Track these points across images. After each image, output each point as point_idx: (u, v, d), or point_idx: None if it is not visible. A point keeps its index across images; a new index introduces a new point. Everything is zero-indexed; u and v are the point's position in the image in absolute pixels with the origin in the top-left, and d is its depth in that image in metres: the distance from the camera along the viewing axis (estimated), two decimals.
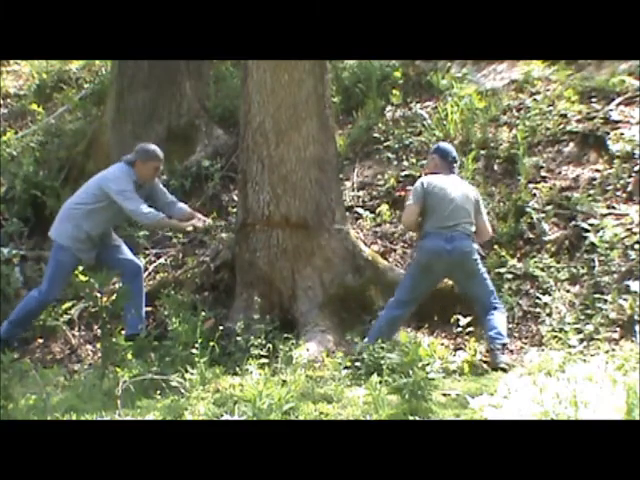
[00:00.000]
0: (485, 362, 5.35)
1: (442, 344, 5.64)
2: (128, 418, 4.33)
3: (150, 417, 4.35)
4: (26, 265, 7.17)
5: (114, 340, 5.57)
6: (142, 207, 5.95)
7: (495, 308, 5.45)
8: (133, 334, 5.87)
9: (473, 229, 5.56)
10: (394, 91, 7.78)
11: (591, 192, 6.34)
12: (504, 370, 5.19)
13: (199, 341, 5.10)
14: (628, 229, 5.96)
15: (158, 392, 4.82)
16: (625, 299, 5.53)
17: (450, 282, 5.81)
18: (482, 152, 6.94)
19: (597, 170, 6.54)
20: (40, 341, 6.45)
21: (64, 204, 6.26)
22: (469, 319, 5.47)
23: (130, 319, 5.95)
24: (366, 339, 5.39)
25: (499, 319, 5.41)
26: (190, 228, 6.29)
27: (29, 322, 6.13)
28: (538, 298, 5.83)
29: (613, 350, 5.16)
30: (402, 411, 4.30)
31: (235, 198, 7.03)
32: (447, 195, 5.54)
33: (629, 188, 6.29)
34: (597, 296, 5.66)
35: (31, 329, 6.39)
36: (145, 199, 6.08)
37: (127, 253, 6.24)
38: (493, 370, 5.23)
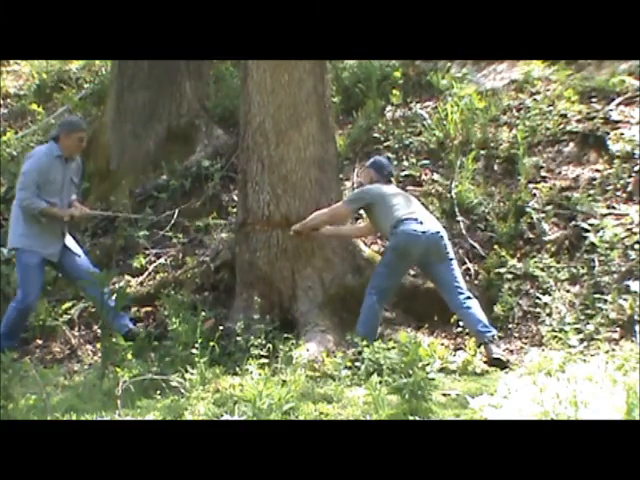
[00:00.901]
0: (485, 362, 5.35)
1: (442, 344, 5.64)
2: (128, 418, 4.33)
3: (150, 417, 4.35)
4: None
5: (114, 340, 5.57)
6: (28, 196, 5.91)
7: (468, 297, 5.48)
8: (128, 332, 5.86)
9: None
10: (394, 91, 7.78)
11: (591, 192, 6.34)
12: (501, 361, 5.20)
13: (199, 341, 5.09)
14: (628, 229, 5.96)
15: (158, 392, 4.82)
16: (625, 299, 5.53)
17: None
18: (482, 152, 6.95)
19: (597, 170, 6.54)
20: (40, 341, 6.45)
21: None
22: None
23: (117, 323, 5.90)
24: (356, 333, 5.40)
25: (477, 309, 5.44)
26: (67, 218, 6.10)
27: (18, 333, 6.07)
28: (538, 298, 5.83)
29: (613, 350, 5.16)
30: (402, 411, 4.30)
31: (235, 198, 7.03)
32: (397, 191, 5.85)
33: (629, 188, 6.29)
34: (597, 296, 5.66)
35: (31, 329, 6.38)
36: (76, 175, 6.17)
37: (87, 263, 6.18)
38: (491, 365, 5.24)
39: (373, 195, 5.74)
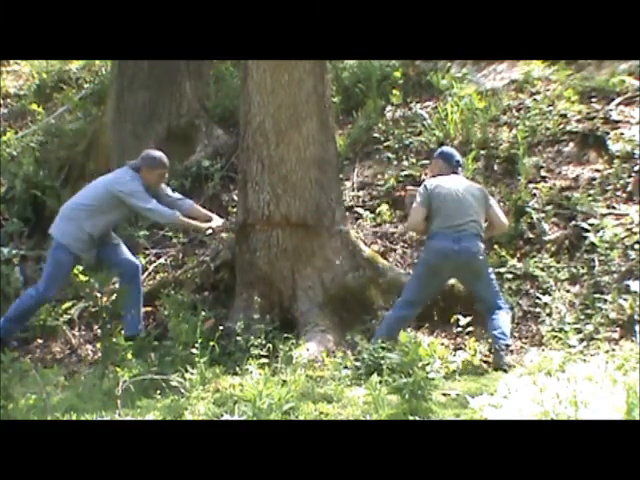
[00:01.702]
0: (485, 362, 5.36)
1: (442, 344, 5.63)
2: (128, 418, 4.33)
3: (150, 417, 4.35)
4: (26, 265, 7.18)
5: (114, 340, 5.58)
6: (158, 205, 6.00)
7: (500, 308, 5.45)
8: (133, 334, 5.88)
9: (480, 228, 5.53)
10: (394, 91, 7.78)
11: (591, 192, 6.34)
12: (505, 371, 5.19)
13: (199, 341, 5.10)
14: (628, 229, 5.96)
15: (158, 392, 4.83)
16: (625, 299, 5.53)
17: (449, 282, 5.81)
18: (482, 152, 6.94)
19: (597, 170, 6.54)
20: (40, 341, 6.45)
21: (66, 203, 6.25)
22: (469, 319, 5.47)
23: (130, 319, 5.96)
24: (373, 340, 5.37)
25: (503, 319, 5.40)
26: (209, 231, 6.27)
27: (26, 320, 6.12)
28: (538, 298, 5.83)
29: (613, 350, 5.16)
30: (402, 411, 4.30)
31: (235, 198, 7.03)
32: (452, 195, 5.52)
33: (629, 188, 6.29)
34: (597, 296, 5.66)
35: (31, 329, 6.39)
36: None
37: (126, 253, 6.23)
38: (494, 370, 5.23)
39: (427, 194, 5.55)
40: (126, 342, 5.52)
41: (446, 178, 5.66)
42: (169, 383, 4.88)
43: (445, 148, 6.11)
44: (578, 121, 6.91)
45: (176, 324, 5.50)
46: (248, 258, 6.05)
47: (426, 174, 7.01)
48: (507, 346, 5.32)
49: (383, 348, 5.09)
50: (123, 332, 5.95)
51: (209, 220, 6.30)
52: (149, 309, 6.50)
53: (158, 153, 6.17)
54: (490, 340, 5.42)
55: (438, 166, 5.83)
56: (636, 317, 5.40)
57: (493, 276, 5.56)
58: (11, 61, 10.33)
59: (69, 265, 6.06)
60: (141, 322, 6.06)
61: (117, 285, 6.43)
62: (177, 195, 6.37)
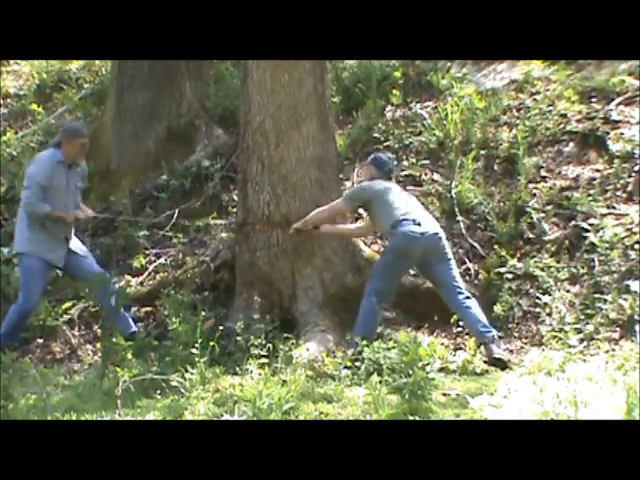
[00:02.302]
0: (485, 362, 5.35)
1: (442, 344, 5.63)
2: (128, 418, 4.33)
3: (150, 417, 4.35)
4: None
5: (114, 340, 5.57)
6: (32, 200, 5.92)
7: (467, 296, 5.48)
8: (132, 333, 5.87)
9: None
10: (394, 91, 7.78)
11: (591, 192, 6.34)
12: (502, 361, 5.21)
13: (199, 341, 5.09)
14: (628, 229, 5.96)
15: (158, 392, 4.82)
16: (625, 299, 5.53)
17: None
18: (482, 152, 6.95)
19: (597, 170, 6.54)
20: (40, 341, 6.45)
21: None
22: None
23: (121, 324, 5.91)
24: (355, 334, 5.40)
25: (477, 309, 5.44)
26: (72, 220, 6.09)
27: (18, 333, 6.07)
28: (538, 298, 5.83)
29: (613, 350, 5.16)
30: (402, 411, 4.30)
31: (235, 198, 7.03)
32: (397, 189, 5.82)
33: (629, 188, 6.29)
34: (597, 296, 5.66)
35: (31, 329, 6.39)
36: (80, 180, 6.19)
37: (94, 265, 6.16)
38: (492, 365, 5.24)
39: (372, 192, 5.73)
40: (126, 342, 5.51)
41: (381, 181, 5.84)
42: (169, 383, 4.88)
43: (378, 155, 6.20)
44: (578, 121, 6.91)
45: (176, 324, 5.50)
46: (248, 258, 6.05)
47: (426, 174, 7.03)
48: (494, 337, 5.34)
49: (383, 348, 5.10)
50: (122, 332, 5.94)
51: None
52: (149, 309, 6.50)
53: (77, 124, 6.15)
54: (475, 337, 5.42)
55: (370, 172, 5.94)
56: (636, 317, 5.40)
57: (454, 262, 5.65)
58: (11, 61, 10.33)
59: (39, 270, 5.98)
60: (130, 322, 6.02)
61: (117, 285, 6.42)
62: (81, 189, 6.35)
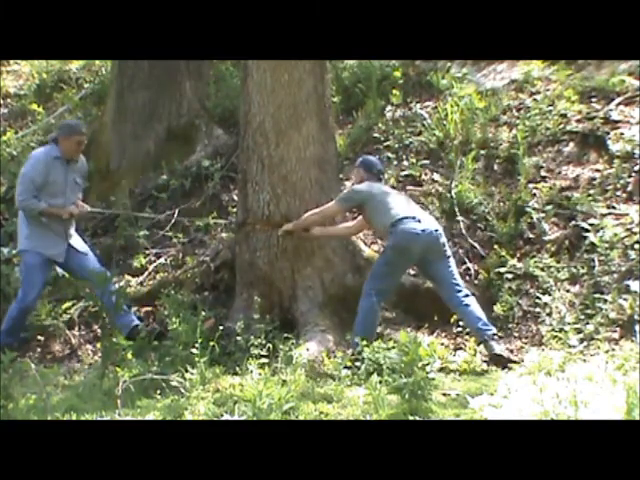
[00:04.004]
0: (485, 362, 5.36)
1: (442, 344, 5.64)
2: (128, 418, 4.33)
3: (150, 417, 4.35)
4: None
5: (114, 340, 5.56)
6: (26, 197, 5.93)
7: (466, 295, 5.49)
8: (132, 330, 5.87)
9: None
10: (394, 91, 7.79)
11: (591, 192, 6.34)
12: (503, 357, 5.22)
13: (199, 341, 5.09)
14: (628, 229, 5.96)
15: (158, 392, 4.82)
16: (625, 299, 5.53)
17: None
18: (482, 152, 6.95)
19: (597, 170, 6.54)
20: (40, 340, 6.45)
21: None
22: None
23: (121, 322, 5.91)
24: (354, 334, 5.39)
25: (476, 307, 5.45)
26: (66, 216, 6.10)
27: (18, 331, 6.08)
28: (538, 298, 5.83)
29: (613, 350, 5.16)
30: (402, 411, 4.30)
31: (235, 198, 7.03)
32: (390, 190, 5.87)
33: (629, 188, 6.29)
34: (597, 296, 5.66)
35: (31, 329, 6.39)
36: (79, 176, 6.20)
37: (95, 263, 6.18)
38: (492, 362, 5.24)
39: (364, 195, 5.73)
40: (126, 342, 5.51)
41: (372, 183, 5.85)
42: (169, 383, 4.88)
43: (366, 157, 6.23)
44: (578, 121, 6.91)
45: (176, 324, 5.50)
46: (248, 258, 6.05)
47: (426, 174, 7.03)
48: (494, 334, 5.34)
49: (383, 348, 5.10)
50: (123, 330, 5.96)
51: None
52: (149, 309, 6.50)
53: (74, 121, 6.19)
54: (475, 335, 5.42)
55: (360, 175, 5.95)
56: (636, 317, 5.40)
57: (453, 260, 5.65)
58: (11, 61, 10.33)
59: (40, 266, 6.01)
60: (131, 315, 6.04)
61: (117, 285, 6.42)
62: (81, 188, 6.35)
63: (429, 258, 5.55)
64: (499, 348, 5.30)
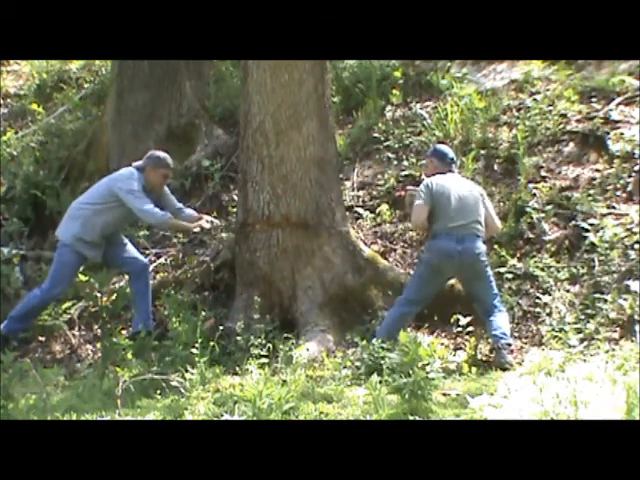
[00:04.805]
0: (486, 362, 5.35)
1: (442, 344, 5.63)
2: (128, 418, 4.33)
3: (150, 417, 4.35)
4: (26, 265, 7.18)
5: (114, 340, 5.57)
6: (151, 207, 6.01)
7: (499, 310, 5.46)
8: (135, 333, 5.89)
9: (482, 229, 5.56)
10: (394, 91, 7.79)
11: (591, 192, 6.34)
12: (506, 369, 5.20)
13: (199, 341, 5.09)
14: (628, 229, 5.96)
15: (158, 392, 4.83)
16: (625, 299, 5.53)
17: (449, 282, 5.81)
18: (482, 152, 6.94)
19: (597, 170, 6.54)
20: (40, 340, 6.45)
21: (72, 204, 6.30)
22: (469, 319, 5.47)
23: (140, 316, 5.99)
24: (376, 334, 5.38)
25: (502, 320, 5.42)
26: (197, 229, 6.33)
27: (30, 319, 6.13)
28: (538, 298, 5.83)
29: (613, 350, 5.16)
30: (402, 411, 4.30)
31: (235, 198, 7.03)
32: (453, 195, 5.55)
33: (629, 188, 6.29)
34: (597, 296, 5.65)
35: (31, 328, 6.39)
36: (154, 205, 6.11)
37: (133, 252, 6.28)
38: (496, 369, 5.23)
39: (432, 193, 5.54)
40: (126, 342, 5.52)
41: (446, 177, 5.66)
42: (169, 383, 4.88)
43: (438, 146, 6.10)
44: (578, 121, 6.91)
45: (176, 324, 5.50)
46: (248, 258, 6.05)
47: (426, 176, 7.02)
48: (509, 345, 5.33)
49: (383, 348, 5.10)
50: (132, 327, 6.02)
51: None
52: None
53: (163, 153, 6.21)
54: (491, 340, 5.42)
55: (433, 165, 5.83)
56: (636, 317, 5.40)
57: (493, 278, 5.58)
58: (11, 61, 10.33)
59: (74, 264, 6.09)
60: (151, 318, 6.09)
61: (118, 285, 6.43)
62: (180, 205, 6.42)
63: (466, 276, 5.55)
64: (508, 360, 5.24)
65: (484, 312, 5.48)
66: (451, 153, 5.89)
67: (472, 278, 5.53)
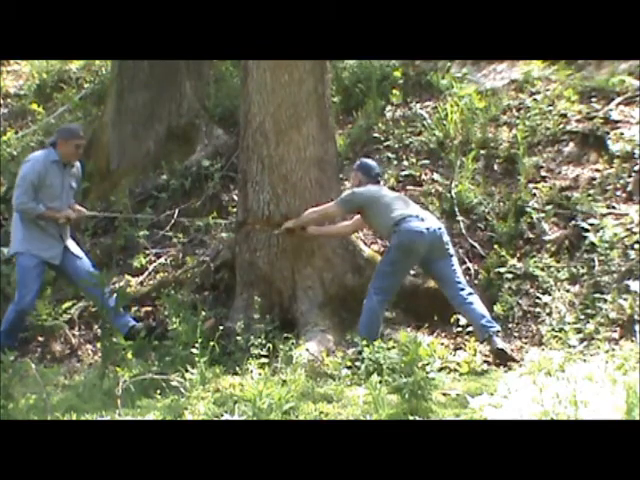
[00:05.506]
0: (485, 362, 5.35)
1: (442, 344, 5.63)
2: (128, 418, 4.33)
3: (150, 417, 4.35)
4: None
5: (114, 340, 5.57)
6: (24, 200, 5.95)
7: (469, 292, 5.48)
8: (131, 329, 5.87)
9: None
10: (394, 91, 7.79)
11: (591, 192, 6.34)
12: (506, 353, 5.22)
13: (199, 341, 5.09)
14: (628, 229, 5.96)
15: (158, 392, 4.82)
16: (625, 299, 5.53)
17: None
18: (482, 152, 6.95)
19: (597, 170, 6.54)
20: (40, 340, 6.45)
21: None
22: None
23: (118, 323, 5.90)
24: (358, 334, 5.39)
25: (480, 305, 5.45)
26: (63, 220, 6.11)
27: (16, 333, 6.07)
28: (538, 298, 5.83)
29: (613, 350, 5.15)
30: (402, 411, 4.30)
31: (235, 198, 7.04)
32: (389, 192, 5.89)
33: (629, 188, 6.29)
34: (597, 296, 5.66)
35: (31, 328, 6.39)
36: (75, 180, 6.20)
37: (88, 266, 6.17)
38: (495, 357, 5.26)
39: (365, 198, 5.72)
40: (126, 341, 5.51)
41: (371, 185, 5.84)
42: (169, 383, 4.88)
43: (364, 160, 6.20)
44: (578, 121, 6.92)
45: (176, 324, 5.50)
46: (248, 258, 6.05)
47: (426, 174, 7.03)
48: (498, 331, 5.35)
49: (383, 348, 5.09)
50: (121, 329, 5.96)
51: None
52: (149, 309, 6.50)
53: (73, 125, 6.23)
54: (478, 332, 5.42)
55: (358, 179, 5.95)
56: (636, 317, 5.40)
57: (455, 259, 5.65)
58: (11, 61, 10.33)
59: (35, 268, 5.99)
60: (127, 316, 6.04)
61: (117, 285, 6.42)
62: (75, 191, 6.36)
63: (432, 257, 5.55)
64: (502, 344, 5.31)
65: (455, 295, 5.49)
66: (377, 168, 6.02)
67: (439, 257, 5.54)
